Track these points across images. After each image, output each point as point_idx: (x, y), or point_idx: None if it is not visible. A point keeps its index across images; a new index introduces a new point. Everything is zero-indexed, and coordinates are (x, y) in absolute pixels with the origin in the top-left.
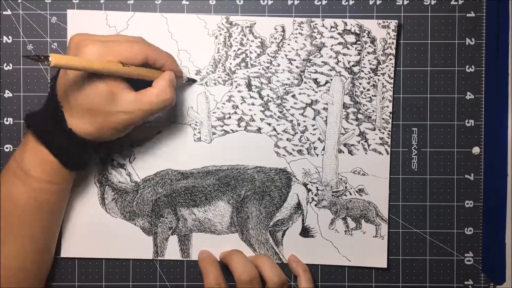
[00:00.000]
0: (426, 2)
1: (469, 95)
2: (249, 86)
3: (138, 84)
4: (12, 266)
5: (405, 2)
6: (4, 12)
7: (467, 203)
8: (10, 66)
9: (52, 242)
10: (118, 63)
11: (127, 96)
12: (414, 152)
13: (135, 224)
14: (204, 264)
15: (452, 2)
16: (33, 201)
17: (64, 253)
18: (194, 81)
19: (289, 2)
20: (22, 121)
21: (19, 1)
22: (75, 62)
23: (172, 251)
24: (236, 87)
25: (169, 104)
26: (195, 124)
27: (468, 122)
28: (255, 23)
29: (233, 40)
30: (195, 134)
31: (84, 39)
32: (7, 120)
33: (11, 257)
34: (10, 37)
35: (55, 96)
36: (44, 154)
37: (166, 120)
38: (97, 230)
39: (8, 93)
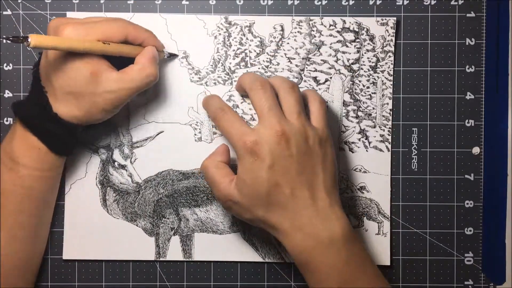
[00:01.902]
0: (426, 2)
1: (469, 95)
2: None
3: (122, 64)
4: (1, 254)
5: (405, 2)
6: (4, 12)
7: (467, 203)
8: (10, 66)
9: (43, 232)
10: (98, 41)
11: (109, 75)
12: (414, 152)
13: (137, 225)
14: (205, 100)
15: (452, 2)
16: (22, 189)
17: (66, 255)
18: (175, 55)
19: (289, 2)
20: None
21: (19, 1)
22: (55, 41)
23: (174, 252)
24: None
25: (152, 79)
26: (196, 124)
27: (468, 122)
28: (254, 23)
29: (233, 40)
30: (195, 134)
31: (62, 22)
32: (7, 120)
33: (1, 245)
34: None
35: (38, 81)
36: (31, 140)
37: (167, 120)
38: (98, 231)
39: (8, 93)
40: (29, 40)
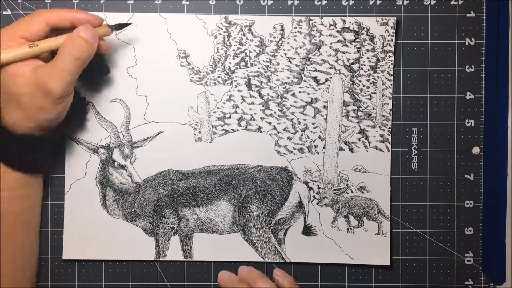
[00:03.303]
0: (426, 2)
1: (469, 95)
2: (249, 85)
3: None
4: None
5: (405, 2)
6: (4, 12)
7: (467, 203)
8: None
9: (30, 260)
10: (24, 45)
11: (42, 70)
12: (414, 152)
13: (136, 225)
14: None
15: (452, 2)
16: (8, 214)
17: (65, 255)
18: (125, 25)
19: (289, 2)
20: None
21: (19, 1)
22: None
23: (174, 252)
24: (236, 87)
25: (84, 58)
26: (196, 124)
27: (468, 122)
28: (254, 23)
29: (232, 40)
30: (195, 134)
31: None
32: None
33: None
34: None
35: None
36: None
37: (167, 120)
38: (98, 231)
39: None
40: None
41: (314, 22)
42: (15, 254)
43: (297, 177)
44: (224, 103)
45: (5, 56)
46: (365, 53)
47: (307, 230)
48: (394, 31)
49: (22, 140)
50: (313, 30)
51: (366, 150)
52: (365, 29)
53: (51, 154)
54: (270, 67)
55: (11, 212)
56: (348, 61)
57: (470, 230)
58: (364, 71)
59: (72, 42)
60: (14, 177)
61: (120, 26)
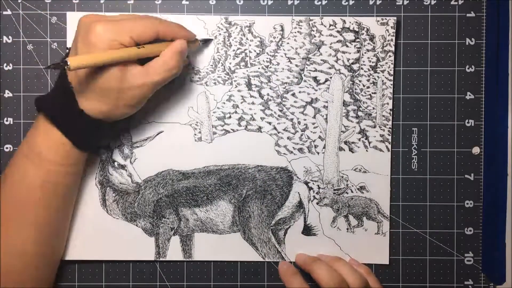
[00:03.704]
0: (426, 2)
1: (469, 95)
2: (249, 85)
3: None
4: (29, 251)
5: (405, 2)
6: (4, 12)
7: (467, 203)
8: (10, 66)
9: (65, 226)
10: (133, 47)
11: (134, 71)
12: (414, 152)
13: (136, 225)
14: (287, 277)
15: (452, 2)
16: (48, 184)
17: (65, 256)
18: (209, 40)
19: (289, 2)
20: (22, 121)
21: (19, 1)
22: (93, 59)
23: (174, 252)
24: (236, 87)
25: (175, 72)
26: (196, 124)
27: (468, 122)
28: (254, 23)
29: (233, 40)
30: (195, 134)
31: (93, 20)
32: (7, 120)
33: (28, 242)
34: (10, 37)
35: (65, 77)
36: (56, 136)
37: (167, 120)
38: (98, 232)
39: (8, 93)
40: (68, 64)
41: (314, 22)
42: (56, 223)
43: (297, 177)
44: (224, 103)
45: (118, 54)
46: (365, 53)
47: (307, 230)
48: (394, 31)
49: (95, 125)
50: (313, 30)
51: (366, 150)
52: (365, 29)
53: (107, 138)
54: (270, 67)
55: (63, 186)
56: (348, 61)
57: (470, 230)
58: (364, 71)
59: (171, 56)
60: (74, 154)
61: (205, 41)
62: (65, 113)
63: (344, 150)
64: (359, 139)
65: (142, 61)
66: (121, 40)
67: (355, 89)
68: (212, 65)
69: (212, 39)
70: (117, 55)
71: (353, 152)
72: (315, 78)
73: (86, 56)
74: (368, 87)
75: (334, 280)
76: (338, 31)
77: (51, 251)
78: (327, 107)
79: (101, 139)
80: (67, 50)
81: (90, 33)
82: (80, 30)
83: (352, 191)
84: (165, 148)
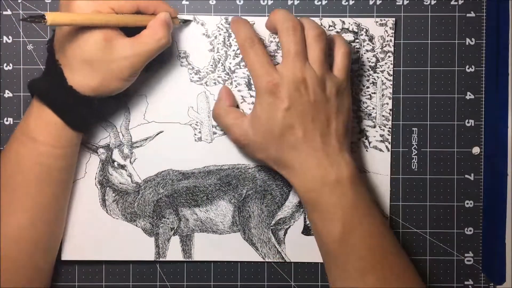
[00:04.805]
0: (426, 2)
1: (469, 95)
2: (249, 85)
3: (132, 34)
4: (24, 237)
5: (405, 2)
6: (4, 12)
7: (467, 203)
8: (10, 66)
9: (62, 213)
10: (113, 13)
11: (122, 41)
12: (414, 152)
13: (136, 225)
14: (235, 24)
15: (452, 2)
16: (41, 167)
17: (64, 256)
18: (189, 21)
19: (289, 2)
20: None
21: (19, 1)
22: (72, 17)
23: (174, 252)
24: (236, 87)
25: (164, 41)
26: (196, 124)
27: (468, 122)
28: (254, 23)
29: (233, 40)
30: (195, 134)
31: None
32: (7, 120)
33: (23, 228)
34: (10, 37)
35: (52, 55)
36: (48, 115)
37: (167, 120)
38: (98, 232)
39: (8, 93)
40: (45, 18)
41: None
42: (52, 207)
43: None
44: None
45: (98, 18)
46: (364, 53)
47: (307, 230)
48: (393, 31)
49: (85, 101)
50: None
51: (366, 150)
52: (364, 30)
53: (99, 117)
54: None
55: (56, 169)
56: None
57: (470, 230)
58: (364, 71)
59: (158, 26)
60: (67, 135)
61: (185, 21)
62: (55, 91)
63: None
64: (359, 139)
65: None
66: (101, 10)
67: (355, 89)
68: (212, 65)
69: (191, 20)
70: (96, 17)
71: (353, 152)
72: None
73: (64, 14)
74: (367, 87)
75: (289, 21)
76: (337, 32)
77: (47, 238)
78: None
79: (94, 118)
80: (53, 32)
81: (70, 5)
82: (61, 8)
83: None
84: (165, 148)
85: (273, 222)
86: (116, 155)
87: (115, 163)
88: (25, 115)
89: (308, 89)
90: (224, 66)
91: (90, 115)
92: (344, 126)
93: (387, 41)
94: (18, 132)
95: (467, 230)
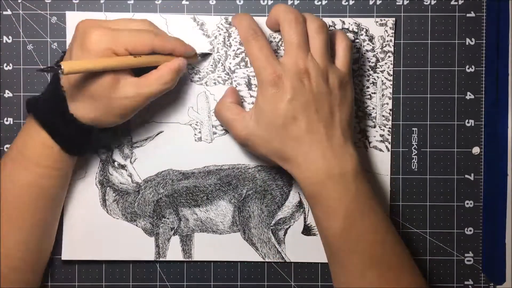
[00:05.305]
0: (426, 2)
1: (469, 95)
2: (249, 85)
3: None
4: (15, 257)
5: (405, 2)
6: (4, 12)
7: (467, 203)
8: (10, 66)
9: (53, 231)
10: (129, 56)
11: (128, 81)
12: (414, 152)
13: (136, 225)
14: (237, 18)
15: (452, 2)
16: (35, 188)
17: (65, 256)
18: (209, 54)
19: (289, 2)
20: (22, 121)
21: (19, 1)
22: (87, 65)
23: (174, 252)
24: (236, 86)
25: (168, 87)
26: (196, 124)
27: (468, 122)
28: None
29: (233, 40)
30: (195, 134)
31: (90, 26)
32: (7, 120)
33: (15, 247)
34: (10, 37)
35: (58, 81)
36: (45, 139)
37: (167, 120)
38: (98, 231)
39: (8, 93)
40: (62, 68)
41: None
42: (44, 226)
43: None
44: None
45: (115, 62)
46: (364, 53)
47: (307, 230)
48: (393, 31)
49: (85, 131)
50: None
51: (366, 150)
52: (364, 30)
53: (98, 144)
54: None
55: (50, 188)
56: None
57: (470, 230)
58: (364, 71)
59: (168, 72)
60: (62, 158)
61: (205, 55)
62: (55, 117)
63: None
64: (359, 139)
65: (139, 73)
66: (115, 50)
67: (355, 89)
68: (212, 65)
69: (211, 54)
70: (111, 62)
71: None
72: None
73: (80, 62)
74: (367, 87)
75: (291, 13)
76: None
77: (38, 255)
78: None
79: (90, 145)
80: (62, 54)
81: (85, 39)
82: (77, 35)
83: None
84: (165, 148)
85: (273, 222)
86: (116, 155)
87: (116, 163)
88: (20, 133)
89: (311, 80)
90: (224, 66)
91: (87, 142)
92: (348, 118)
93: (387, 41)
94: (14, 151)
95: (467, 230)
